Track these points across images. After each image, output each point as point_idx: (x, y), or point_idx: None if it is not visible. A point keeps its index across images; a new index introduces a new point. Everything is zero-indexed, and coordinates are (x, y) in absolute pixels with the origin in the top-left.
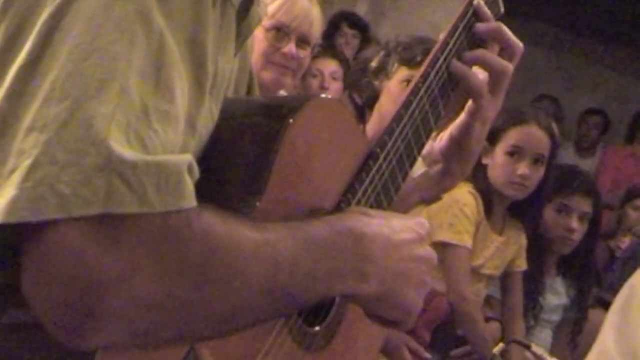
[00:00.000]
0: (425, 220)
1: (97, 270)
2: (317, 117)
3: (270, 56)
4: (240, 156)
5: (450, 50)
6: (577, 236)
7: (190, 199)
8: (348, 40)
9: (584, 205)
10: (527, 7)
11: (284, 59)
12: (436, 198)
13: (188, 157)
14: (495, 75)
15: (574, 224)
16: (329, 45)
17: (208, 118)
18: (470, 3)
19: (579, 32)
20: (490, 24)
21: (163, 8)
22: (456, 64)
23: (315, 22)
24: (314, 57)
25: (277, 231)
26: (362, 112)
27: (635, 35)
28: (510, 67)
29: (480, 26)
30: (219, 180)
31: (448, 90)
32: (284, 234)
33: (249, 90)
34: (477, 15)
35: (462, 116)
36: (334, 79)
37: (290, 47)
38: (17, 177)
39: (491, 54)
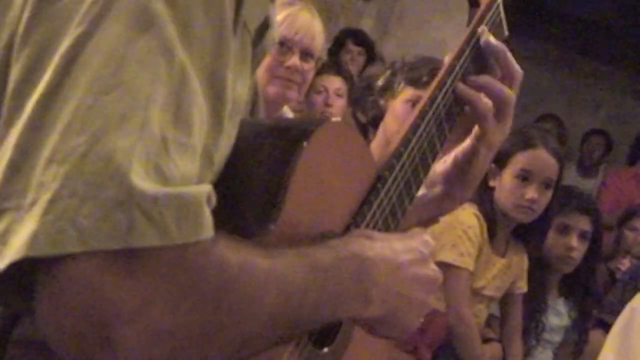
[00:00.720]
0: (430, 238)
1: (114, 303)
2: (329, 141)
3: (274, 70)
4: (255, 179)
5: (457, 73)
6: (577, 255)
7: (208, 230)
8: (353, 57)
9: (583, 223)
10: (532, 27)
11: (288, 72)
12: (434, 221)
13: (207, 188)
14: (498, 104)
15: (574, 242)
16: (334, 62)
17: (226, 145)
18: (477, 26)
19: (583, 53)
20: (497, 45)
21: (185, 41)
22: (462, 87)
23: (318, 35)
24: (319, 73)
25: (287, 259)
26: (366, 130)
27: (636, 56)
28: (512, 96)
29: (487, 43)
30: (233, 203)
31: (454, 114)
32: (293, 262)
33: (253, 107)
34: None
35: (468, 141)
36: (339, 95)
37: (293, 61)
38: (37, 210)
39: (495, 82)
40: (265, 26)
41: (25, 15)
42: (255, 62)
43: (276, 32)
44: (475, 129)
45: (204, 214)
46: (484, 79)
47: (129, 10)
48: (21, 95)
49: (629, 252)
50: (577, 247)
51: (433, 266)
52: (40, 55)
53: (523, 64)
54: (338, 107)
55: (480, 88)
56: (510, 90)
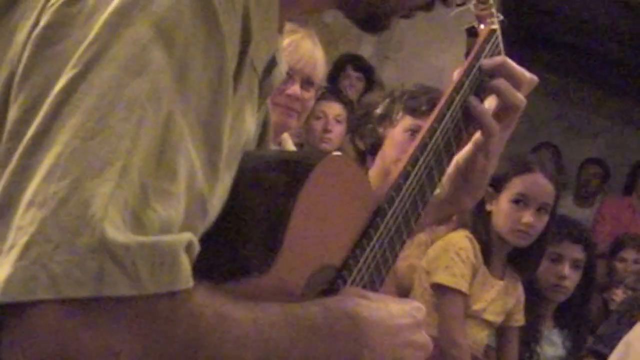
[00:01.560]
0: (422, 305)
1: (79, 351)
2: (329, 175)
3: (274, 98)
4: (255, 215)
5: (457, 105)
6: (569, 283)
7: (184, 280)
8: (352, 82)
9: (575, 252)
10: (530, 55)
11: (289, 100)
12: (431, 224)
13: (186, 237)
14: (509, 108)
15: (566, 271)
16: (333, 87)
17: (223, 190)
18: (476, 57)
19: (581, 81)
20: (495, 60)
21: (180, 90)
22: (475, 104)
23: (319, 64)
24: (319, 99)
25: (273, 315)
26: (364, 157)
27: (636, 86)
28: (524, 102)
29: (485, 63)
30: (233, 238)
31: (453, 147)
32: (279, 318)
33: (261, 138)
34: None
35: (469, 147)
36: (338, 122)
37: (294, 89)
38: (13, 254)
39: (508, 85)
40: (273, 62)
41: (26, 55)
42: (263, 98)
43: (284, 67)
44: (476, 137)
45: (180, 264)
46: (498, 81)
47: (124, 55)
48: (17, 137)
49: (621, 283)
50: (570, 276)
51: (424, 333)
52: (37, 98)
53: None
54: (337, 133)
55: (493, 89)
56: (522, 97)
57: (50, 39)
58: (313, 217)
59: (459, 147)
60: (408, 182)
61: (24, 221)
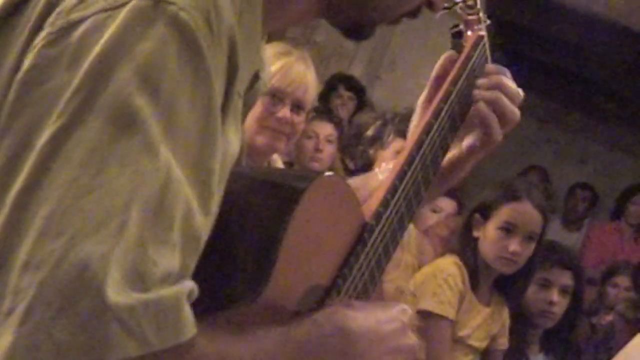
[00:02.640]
0: (407, 306)
1: None
2: (320, 197)
3: (264, 121)
4: (245, 242)
5: (444, 116)
6: (558, 309)
7: (188, 331)
8: (344, 102)
9: (564, 278)
10: (520, 79)
11: (279, 123)
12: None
13: (189, 287)
14: (503, 118)
15: (555, 297)
16: (324, 107)
17: (213, 218)
18: (463, 67)
19: (571, 106)
20: (491, 79)
21: (169, 136)
22: (483, 107)
23: (311, 87)
24: (310, 119)
25: (269, 345)
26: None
27: (625, 111)
28: (518, 117)
29: (482, 83)
30: (222, 267)
31: (440, 158)
32: (276, 347)
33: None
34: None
35: (456, 151)
36: (329, 141)
37: (284, 112)
38: (14, 319)
39: (505, 97)
40: (256, 77)
41: (10, 98)
42: (245, 112)
43: (267, 75)
44: (466, 142)
45: (184, 316)
46: (496, 94)
47: (111, 105)
48: (4, 186)
49: (612, 309)
50: (558, 302)
51: (412, 335)
52: (21, 145)
53: None
54: (328, 153)
55: (491, 101)
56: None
57: (33, 83)
58: (303, 240)
59: (445, 156)
60: (395, 197)
61: (22, 283)
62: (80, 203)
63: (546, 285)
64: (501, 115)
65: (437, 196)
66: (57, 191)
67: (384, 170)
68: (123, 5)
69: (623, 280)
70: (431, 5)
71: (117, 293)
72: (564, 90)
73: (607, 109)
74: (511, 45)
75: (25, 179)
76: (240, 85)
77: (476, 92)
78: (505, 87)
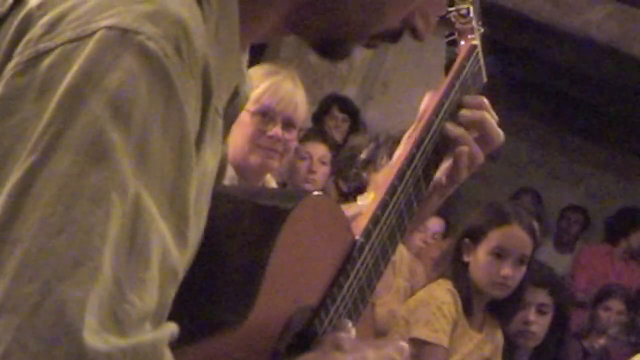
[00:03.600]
0: (405, 344)
1: None
2: (308, 217)
3: (256, 139)
4: (230, 268)
5: (436, 128)
6: (537, 329)
7: None
8: (338, 123)
9: (540, 296)
10: (513, 100)
11: (270, 142)
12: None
13: (168, 331)
14: (487, 141)
15: (531, 316)
16: (318, 128)
17: (192, 246)
18: (456, 76)
19: (564, 128)
20: (474, 114)
21: (141, 169)
22: (455, 129)
23: (300, 105)
24: (304, 140)
25: None
26: (346, 199)
27: (618, 134)
28: (502, 141)
29: (464, 115)
30: (206, 294)
31: (432, 171)
32: None
33: (218, 176)
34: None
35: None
36: (323, 163)
37: (276, 131)
38: None
39: (491, 119)
40: (236, 93)
41: None
42: (226, 128)
43: (248, 87)
44: (446, 169)
45: None
46: (480, 113)
47: (82, 140)
48: None
49: (604, 332)
50: (536, 321)
51: None
52: None
53: (503, 136)
54: (321, 175)
55: (474, 122)
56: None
57: (1, 114)
58: (290, 261)
59: (437, 170)
60: (386, 213)
61: None
62: (53, 242)
63: (522, 304)
64: (486, 135)
65: (422, 220)
66: (29, 231)
67: (366, 199)
68: (90, 35)
69: (615, 304)
70: (415, 32)
71: (95, 338)
72: (557, 112)
73: (599, 131)
74: (506, 67)
75: None
76: (220, 104)
77: (460, 116)
78: (485, 128)
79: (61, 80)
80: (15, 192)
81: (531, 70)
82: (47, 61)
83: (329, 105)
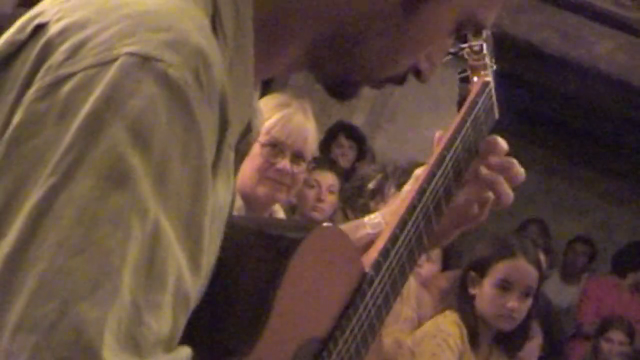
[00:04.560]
0: None
1: None
2: (317, 248)
3: (265, 171)
4: (239, 295)
5: (448, 163)
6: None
7: None
8: (344, 151)
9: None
10: (521, 131)
11: (279, 174)
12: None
13: (185, 353)
14: (499, 198)
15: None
16: (325, 156)
17: (204, 274)
18: (469, 112)
19: (571, 159)
20: (499, 162)
21: (160, 195)
22: (488, 173)
23: (310, 138)
24: (313, 169)
25: None
26: None
27: (625, 165)
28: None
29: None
30: (214, 321)
31: (443, 207)
32: None
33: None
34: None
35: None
36: (331, 192)
37: (284, 164)
38: None
39: (504, 182)
40: (248, 130)
41: None
42: (238, 162)
43: (260, 122)
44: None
45: None
46: (498, 178)
47: (103, 163)
48: None
49: None
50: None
51: None
52: (7, 203)
53: None
54: (329, 203)
55: (492, 176)
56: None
57: (21, 138)
58: (299, 292)
59: (448, 205)
60: (396, 247)
61: (14, 346)
62: (72, 263)
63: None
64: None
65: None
66: (48, 251)
67: (374, 219)
68: (112, 61)
69: (617, 335)
70: (418, 74)
71: (114, 357)
72: (564, 143)
73: (607, 162)
74: (515, 98)
75: (16, 238)
76: (232, 138)
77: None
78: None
79: (82, 104)
80: (35, 212)
81: (539, 101)
82: (68, 86)
83: (336, 133)
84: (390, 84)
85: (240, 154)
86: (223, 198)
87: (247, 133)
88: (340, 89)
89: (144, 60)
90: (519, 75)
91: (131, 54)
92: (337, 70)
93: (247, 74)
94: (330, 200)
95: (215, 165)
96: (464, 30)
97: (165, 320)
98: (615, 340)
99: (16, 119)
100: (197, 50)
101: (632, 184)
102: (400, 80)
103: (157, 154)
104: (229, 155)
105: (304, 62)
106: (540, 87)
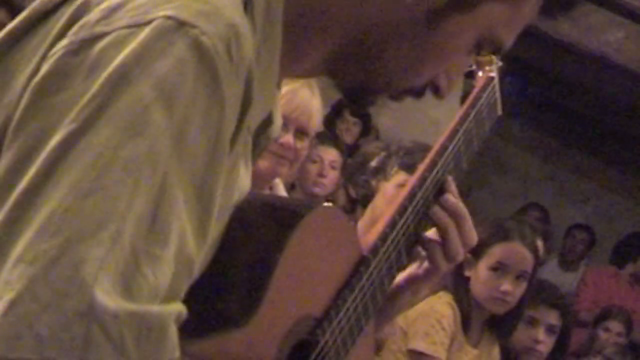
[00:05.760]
0: None
1: None
2: (317, 227)
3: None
4: (239, 265)
5: (449, 155)
6: (543, 348)
7: (171, 352)
8: (349, 127)
9: (551, 317)
10: (528, 116)
11: (281, 149)
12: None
13: (177, 308)
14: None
15: (540, 335)
16: (329, 131)
17: (209, 246)
18: (472, 106)
19: (574, 146)
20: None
21: (176, 153)
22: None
23: (315, 114)
24: (316, 143)
25: None
26: (355, 205)
27: (630, 154)
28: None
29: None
30: (214, 290)
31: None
32: None
33: None
34: (476, 129)
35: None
36: (333, 167)
37: (287, 138)
38: None
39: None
40: (269, 120)
41: (23, 102)
42: (257, 152)
43: (279, 123)
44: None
45: (167, 336)
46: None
47: (124, 115)
48: (8, 186)
49: (599, 352)
50: (544, 341)
51: None
52: (31, 149)
53: (515, 150)
54: (331, 179)
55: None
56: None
57: (50, 89)
58: (298, 268)
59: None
60: (394, 232)
61: (12, 276)
62: (80, 204)
63: (532, 323)
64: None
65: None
66: (59, 192)
67: None
68: (147, 23)
69: (615, 326)
70: (437, 90)
71: (105, 297)
72: (570, 130)
73: (612, 151)
74: (522, 84)
75: (31, 178)
76: (252, 121)
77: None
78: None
79: (112, 60)
80: (53, 155)
81: (547, 88)
82: (101, 44)
83: (340, 109)
84: (409, 96)
85: (259, 148)
86: (244, 180)
87: (269, 125)
88: (359, 96)
89: (179, 24)
90: (527, 62)
91: (167, 18)
92: (358, 77)
93: (272, 66)
94: (332, 176)
95: (234, 139)
96: (483, 48)
97: (163, 275)
98: (613, 330)
99: (45, 68)
100: (231, 24)
101: (637, 175)
102: (418, 93)
103: (179, 114)
104: (248, 138)
105: (325, 68)
106: (548, 74)
